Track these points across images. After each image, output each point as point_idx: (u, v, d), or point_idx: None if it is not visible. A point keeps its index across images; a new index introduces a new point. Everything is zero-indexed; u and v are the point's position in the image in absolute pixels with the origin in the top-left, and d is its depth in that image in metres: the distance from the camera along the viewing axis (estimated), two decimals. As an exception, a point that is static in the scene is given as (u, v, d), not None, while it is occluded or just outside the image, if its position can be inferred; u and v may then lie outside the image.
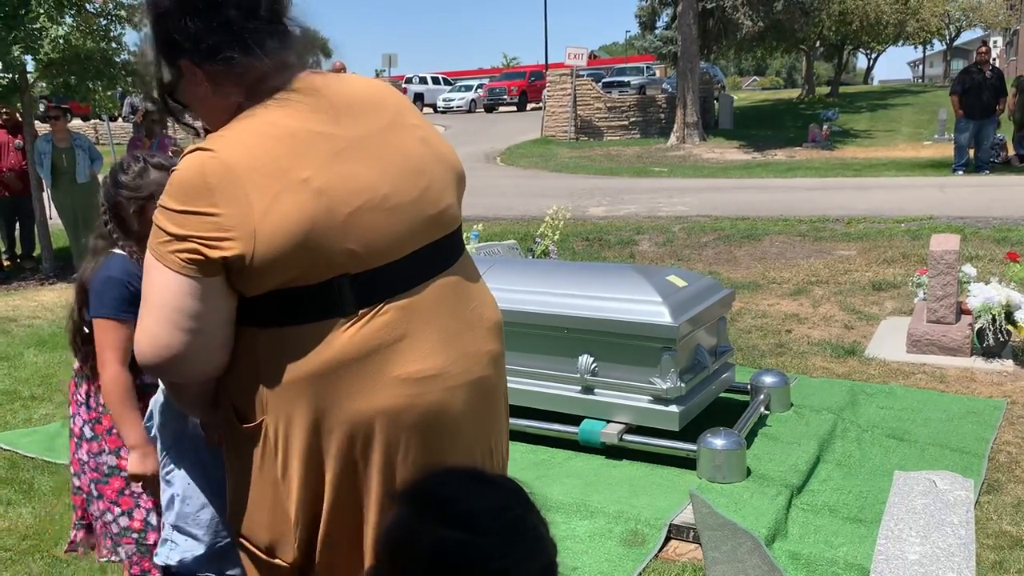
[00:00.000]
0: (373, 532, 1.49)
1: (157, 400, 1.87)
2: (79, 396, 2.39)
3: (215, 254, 1.35)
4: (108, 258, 2.20)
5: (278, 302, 1.41)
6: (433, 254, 1.51)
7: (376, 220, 1.42)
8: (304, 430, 1.45)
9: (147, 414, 1.93)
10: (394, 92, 1.61)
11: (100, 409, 2.31)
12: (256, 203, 1.35)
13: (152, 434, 1.91)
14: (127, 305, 2.08)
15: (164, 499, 1.88)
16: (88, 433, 2.36)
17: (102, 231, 2.25)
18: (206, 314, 1.38)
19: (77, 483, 2.44)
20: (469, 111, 33.81)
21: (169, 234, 1.37)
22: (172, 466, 1.85)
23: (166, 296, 1.37)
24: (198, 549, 1.82)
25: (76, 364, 2.40)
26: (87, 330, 2.25)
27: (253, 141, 1.39)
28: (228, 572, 1.84)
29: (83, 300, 2.27)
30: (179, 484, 1.84)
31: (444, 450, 1.51)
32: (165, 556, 1.85)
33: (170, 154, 9.21)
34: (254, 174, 1.36)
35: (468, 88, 36.03)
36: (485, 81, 37.71)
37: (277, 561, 1.53)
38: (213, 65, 1.43)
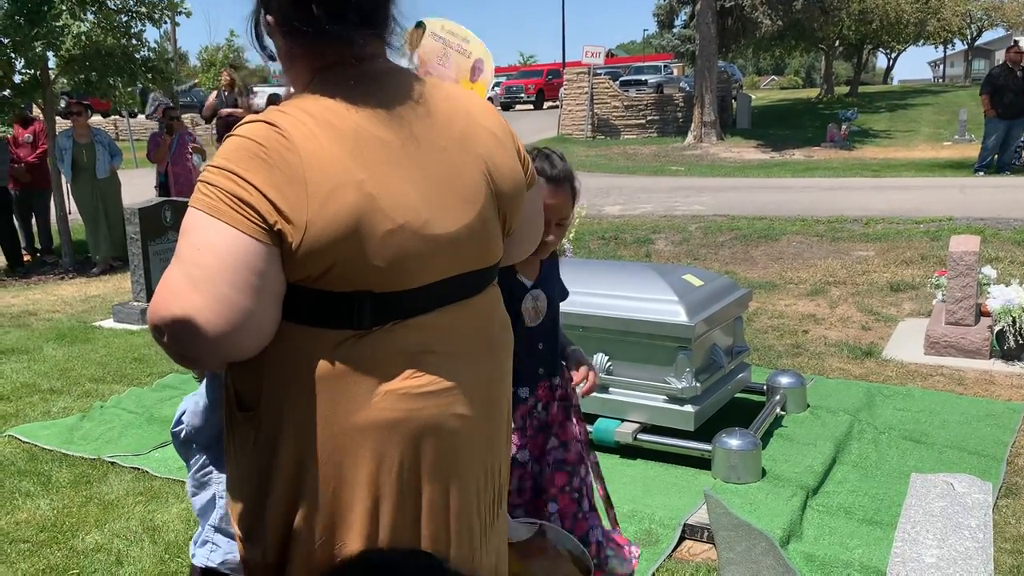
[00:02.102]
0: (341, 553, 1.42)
1: (191, 400, 1.80)
2: None
3: (273, 222, 1.27)
4: None
5: (298, 297, 1.35)
6: (462, 282, 1.46)
7: (410, 244, 1.35)
8: (294, 434, 1.41)
9: (175, 418, 1.85)
10: (483, 114, 1.51)
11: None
12: (313, 192, 1.28)
13: (183, 436, 1.84)
14: None
15: (203, 500, 1.87)
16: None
17: None
18: (272, 279, 1.29)
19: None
20: (486, 109, 33.74)
21: (231, 195, 1.27)
22: (211, 467, 1.84)
23: (237, 256, 1.25)
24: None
25: None
26: None
27: (318, 128, 1.32)
28: None
29: None
30: (219, 485, 1.82)
31: (438, 469, 1.47)
32: (205, 558, 1.84)
33: (189, 151, 9.29)
34: (315, 160, 1.29)
35: (485, 85, 35.94)
36: (502, 79, 37.71)
37: (250, 555, 1.50)
38: (290, 36, 1.41)
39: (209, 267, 1.24)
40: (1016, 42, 14.72)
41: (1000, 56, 13.74)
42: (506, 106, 33.64)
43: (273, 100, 12.23)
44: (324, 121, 1.32)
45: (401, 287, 1.37)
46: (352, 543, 1.42)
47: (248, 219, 1.26)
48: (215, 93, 12.92)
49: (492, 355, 1.55)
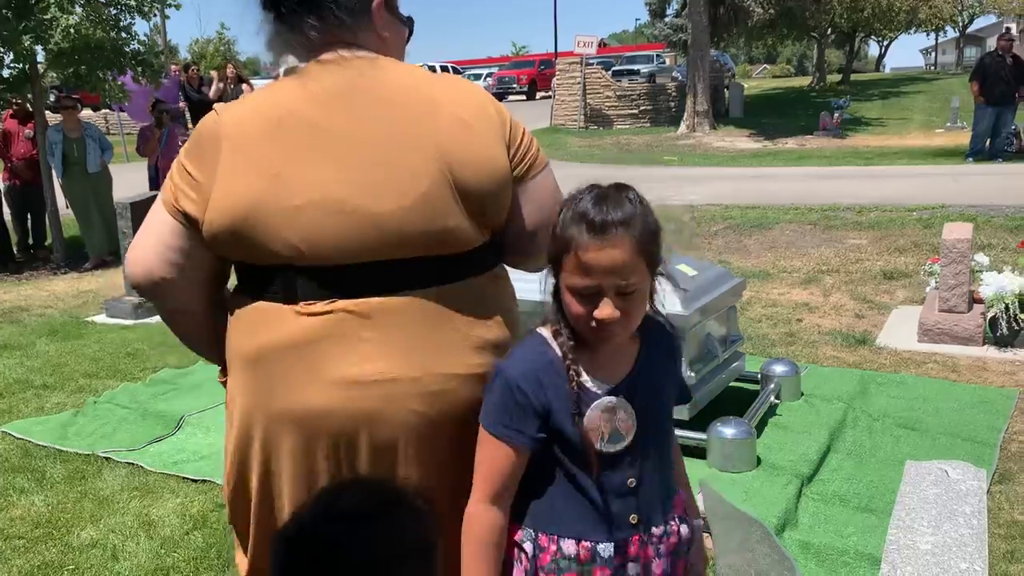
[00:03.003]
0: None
1: None
2: None
3: (180, 205, 1.46)
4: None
5: (242, 272, 1.51)
6: (414, 267, 1.44)
7: (327, 220, 1.39)
8: (239, 413, 1.49)
9: None
10: (455, 101, 1.48)
11: None
12: (220, 174, 1.42)
13: None
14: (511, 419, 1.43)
15: None
16: None
17: None
18: (187, 254, 1.48)
19: None
20: (478, 100, 33.65)
21: (171, 175, 1.50)
22: None
23: (160, 229, 1.49)
24: None
25: None
26: None
27: (249, 116, 1.45)
28: None
29: None
30: None
31: (372, 462, 1.45)
32: None
33: (180, 144, 9.25)
34: (231, 145, 1.42)
35: (477, 77, 35.93)
36: (494, 70, 37.64)
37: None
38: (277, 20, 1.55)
39: (142, 235, 1.51)
40: (1008, 29, 14.76)
41: (992, 43, 13.77)
42: (499, 97, 33.29)
43: None
44: (255, 106, 1.46)
45: (324, 262, 1.41)
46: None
47: (172, 198, 1.47)
48: (214, 84, 13.04)
49: (453, 352, 1.47)
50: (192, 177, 1.44)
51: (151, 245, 1.48)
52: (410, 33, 1.65)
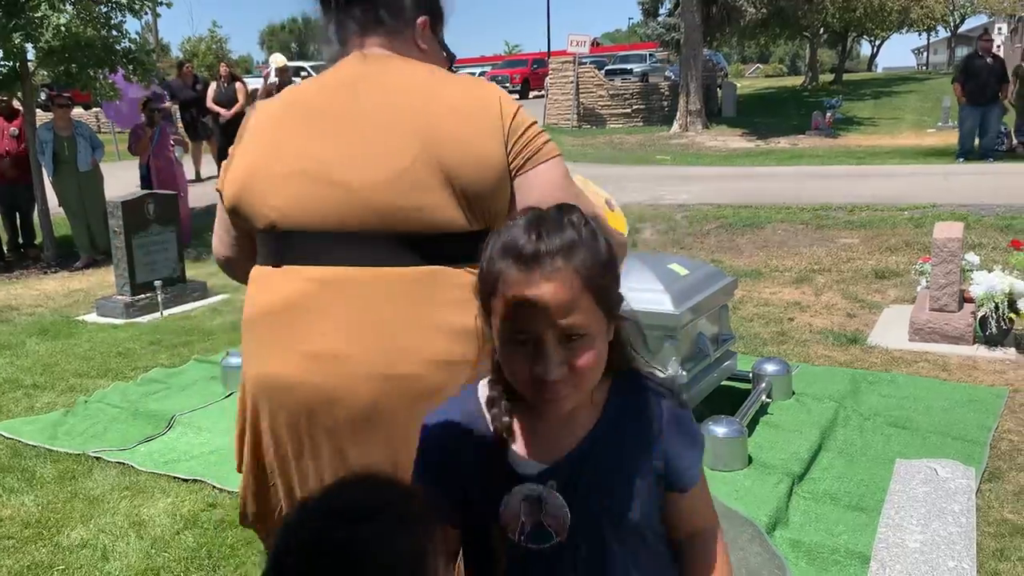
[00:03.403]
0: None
1: None
2: None
3: (219, 184, 1.65)
4: None
5: (253, 241, 1.62)
6: (375, 241, 1.46)
7: (306, 188, 1.48)
8: (243, 375, 1.60)
9: None
10: (452, 93, 1.51)
11: None
12: (236, 155, 1.61)
13: None
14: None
15: None
16: None
17: None
18: (232, 229, 1.67)
19: None
20: (471, 99, 33.60)
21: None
22: None
23: (220, 215, 1.70)
24: None
25: None
26: None
27: (271, 105, 1.62)
28: None
29: None
30: None
31: (327, 440, 1.47)
32: None
33: (172, 143, 9.21)
34: (250, 131, 1.61)
35: (471, 75, 35.86)
36: (487, 69, 37.58)
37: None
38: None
39: (216, 220, 1.74)
40: (986, 30, 14.85)
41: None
42: (491, 96, 33.48)
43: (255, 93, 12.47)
44: (280, 98, 1.63)
45: (303, 227, 1.49)
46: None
47: (219, 186, 1.65)
48: (214, 84, 13.04)
49: (418, 336, 1.45)
50: (227, 165, 1.63)
51: (216, 230, 1.73)
52: (449, 65, 1.71)
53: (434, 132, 1.47)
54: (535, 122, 1.56)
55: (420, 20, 1.61)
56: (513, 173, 1.51)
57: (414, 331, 1.45)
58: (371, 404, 1.44)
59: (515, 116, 1.52)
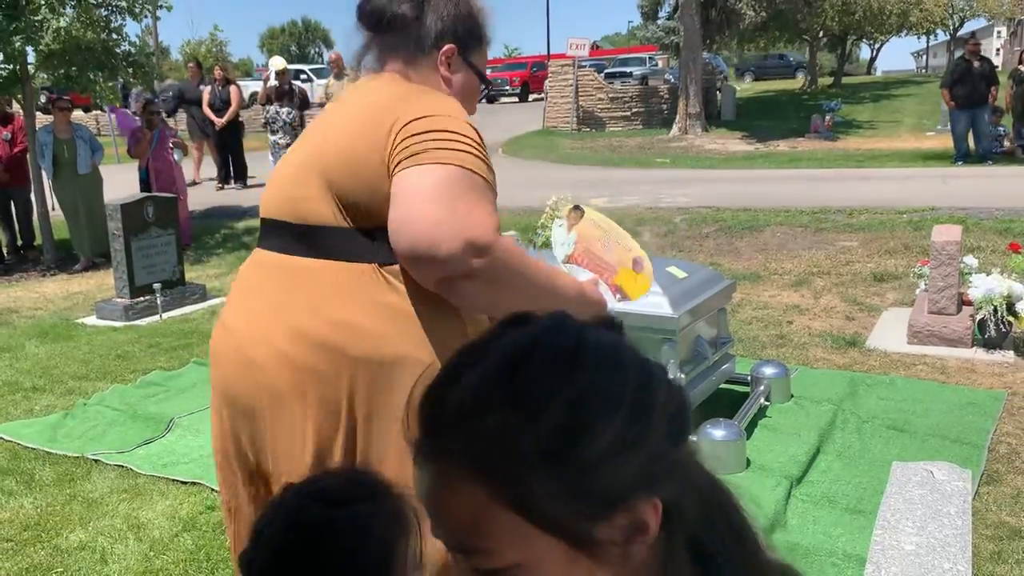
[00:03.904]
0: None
1: None
2: None
3: None
4: None
5: None
6: (285, 232, 1.63)
7: (273, 180, 1.72)
8: None
9: None
10: (380, 97, 1.63)
11: None
12: None
13: None
14: None
15: None
16: None
17: None
18: None
19: None
20: (471, 102, 33.64)
21: None
22: None
23: None
24: None
25: None
26: None
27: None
28: None
29: None
30: None
31: (225, 406, 1.67)
32: None
33: (170, 146, 9.22)
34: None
35: (469, 79, 35.85)
36: (487, 71, 37.54)
37: None
38: None
39: None
40: (974, 34, 14.89)
41: (984, 46, 13.89)
42: (491, 99, 33.51)
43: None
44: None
45: (263, 213, 1.72)
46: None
47: None
48: (208, 87, 13.06)
49: (293, 319, 1.56)
50: None
51: None
52: (485, 93, 1.80)
53: (328, 131, 1.65)
54: (442, 129, 1.51)
55: (446, 48, 1.70)
56: (390, 177, 1.52)
57: (290, 315, 1.57)
58: (232, 378, 1.63)
59: (409, 124, 1.52)
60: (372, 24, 1.71)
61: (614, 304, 1.91)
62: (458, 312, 1.58)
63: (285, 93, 11.75)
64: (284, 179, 1.68)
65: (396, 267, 1.55)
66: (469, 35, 1.74)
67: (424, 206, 1.43)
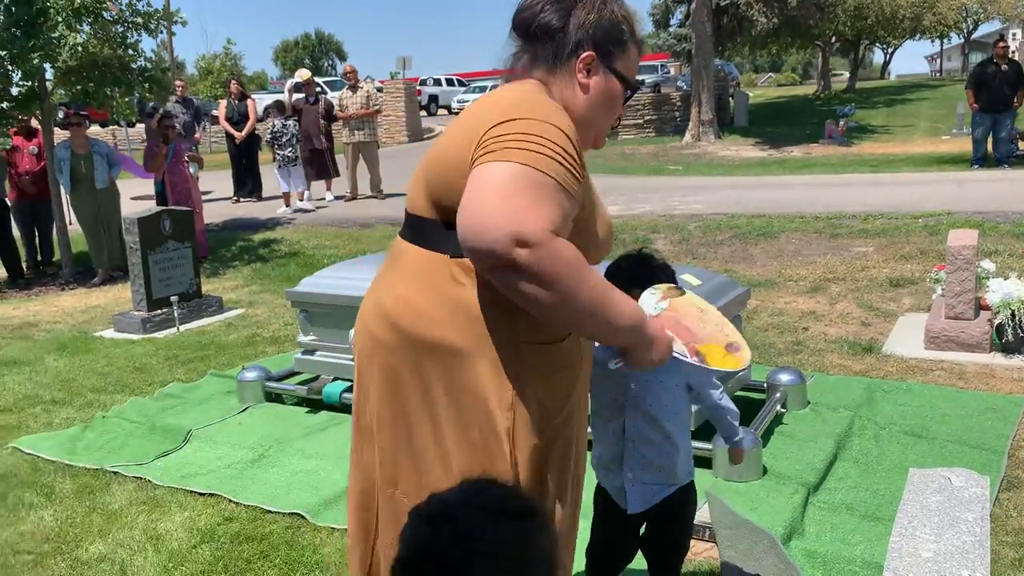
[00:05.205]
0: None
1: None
2: None
3: None
4: None
5: None
6: (407, 220, 1.83)
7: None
8: None
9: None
10: (489, 105, 1.73)
11: None
12: None
13: None
14: None
15: None
16: None
17: None
18: None
19: None
20: (484, 112, 33.78)
21: None
22: None
23: None
24: None
25: None
26: None
27: None
28: None
29: None
30: None
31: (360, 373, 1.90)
32: None
33: (186, 159, 9.30)
34: None
35: (482, 89, 35.97)
36: (499, 82, 37.61)
37: None
38: None
39: None
40: (1001, 36, 14.74)
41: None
42: (504, 108, 33.62)
43: (278, 105, 12.73)
44: None
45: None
46: None
47: None
48: (224, 102, 13.21)
49: (373, 293, 1.86)
50: None
51: None
52: (629, 96, 1.84)
53: (447, 132, 1.76)
54: (524, 131, 1.57)
55: (584, 56, 1.75)
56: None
57: (391, 287, 1.81)
58: (362, 345, 1.87)
59: (496, 125, 1.59)
60: (522, 32, 1.81)
61: (686, 356, 1.83)
62: (514, 316, 1.64)
63: (312, 103, 12.22)
64: (416, 171, 1.83)
65: (467, 260, 1.63)
66: (610, 41, 1.78)
67: (482, 196, 1.50)
